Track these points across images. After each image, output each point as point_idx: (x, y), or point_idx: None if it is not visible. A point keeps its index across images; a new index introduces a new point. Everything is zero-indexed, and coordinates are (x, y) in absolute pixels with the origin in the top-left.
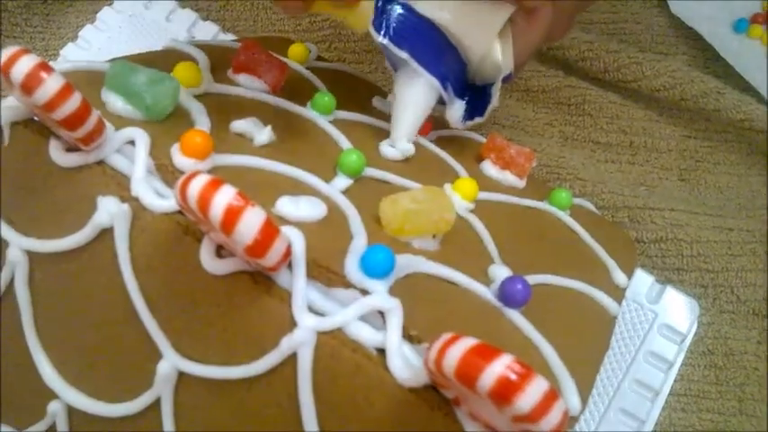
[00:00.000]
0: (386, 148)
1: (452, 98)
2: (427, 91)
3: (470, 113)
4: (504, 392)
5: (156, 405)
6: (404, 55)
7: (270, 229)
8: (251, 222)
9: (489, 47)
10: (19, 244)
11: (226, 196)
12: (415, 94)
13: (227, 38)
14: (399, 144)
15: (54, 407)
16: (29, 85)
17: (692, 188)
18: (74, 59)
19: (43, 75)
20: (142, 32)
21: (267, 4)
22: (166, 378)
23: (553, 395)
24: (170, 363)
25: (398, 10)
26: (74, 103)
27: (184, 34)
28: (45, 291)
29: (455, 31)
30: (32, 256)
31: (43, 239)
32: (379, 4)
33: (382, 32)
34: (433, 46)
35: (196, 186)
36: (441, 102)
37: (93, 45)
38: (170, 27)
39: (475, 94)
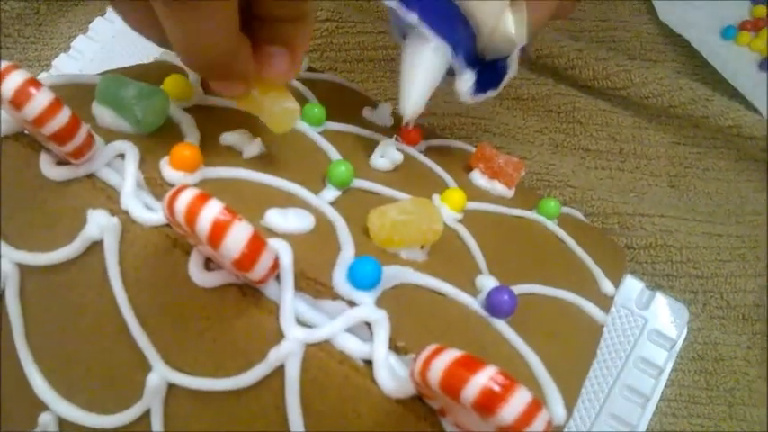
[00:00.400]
0: (377, 159)
1: (463, 67)
2: (437, 57)
3: (482, 87)
4: (487, 403)
5: (145, 417)
6: (413, 17)
7: (257, 243)
8: (238, 236)
9: (500, 17)
10: (10, 257)
11: (213, 210)
12: (424, 61)
13: None
14: (408, 114)
15: (45, 418)
16: (18, 101)
17: (681, 194)
18: (66, 70)
19: (32, 90)
20: (135, 43)
21: None
22: (156, 390)
23: (537, 406)
24: (159, 375)
25: None
26: (63, 118)
27: None
28: (36, 303)
29: (466, 3)
30: (23, 269)
31: (34, 252)
32: None
33: None
34: (442, 11)
35: (183, 201)
36: (449, 74)
37: (86, 55)
38: None
39: (485, 69)
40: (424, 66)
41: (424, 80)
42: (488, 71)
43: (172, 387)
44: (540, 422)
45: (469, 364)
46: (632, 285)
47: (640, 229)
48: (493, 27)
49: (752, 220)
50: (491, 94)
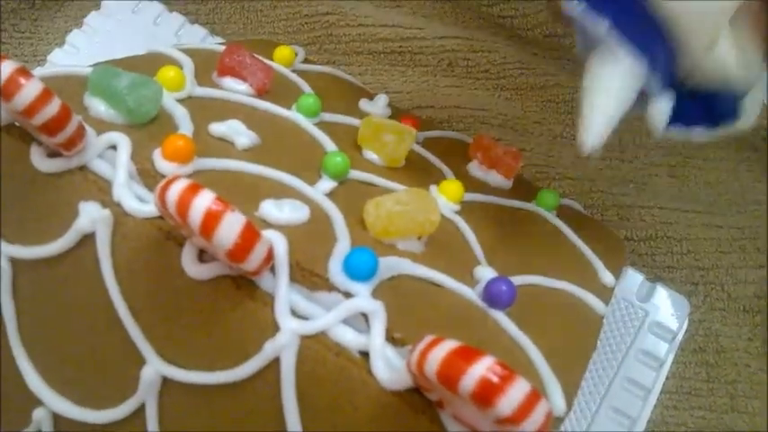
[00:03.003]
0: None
1: (658, 90)
2: (628, 77)
3: (686, 119)
4: (485, 395)
5: (140, 411)
6: (603, 25)
7: (250, 233)
8: (230, 227)
9: (715, 39)
10: (2, 251)
11: (205, 201)
12: (613, 81)
13: (215, 41)
14: (588, 146)
15: (39, 414)
16: (7, 91)
17: (681, 184)
18: (61, 65)
19: (22, 80)
20: (130, 37)
21: (257, 7)
22: (150, 384)
23: (536, 396)
24: (154, 368)
25: None
26: (53, 108)
27: (172, 38)
28: (29, 298)
29: (672, 11)
30: (16, 263)
31: (26, 246)
32: None
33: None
34: (639, 20)
35: (175, 191)
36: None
37: (81, 50)
38: (158, 31)
39: (694, 99)
40: (614, 87)
41: (612, 105)
42: (700, 103)
43: (166, 381)
44: (539, 413)
45: (467, 355)
46: (632, 277)
47: (640, 221)
48: (703, 46)
49: (753, 210)
50: (700, 133)
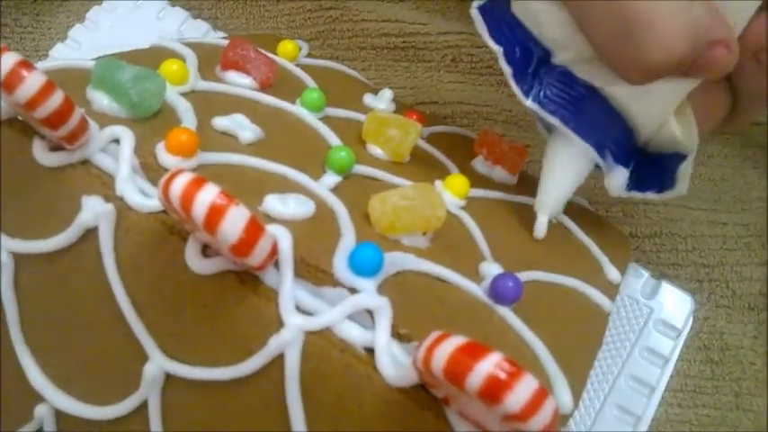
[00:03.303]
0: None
1: (612, 165)
2: (581, 158)
3: (641, 183)
4: (492, 391)
5: (143, 407)
6: (554, 121)
7: (254, 228)
8: (235, 221)
9: (665, 121)
10: (4, 245)
11: (209, 195)
12: (566, 162)
13: (218, 36)
14: (541, 215)
15: (41, 410)
16: (9, 84)
17: None
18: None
19: (24, 72)
20: (132, 31)
21: (260, 2)
22: (153, 380)
23: (543, 393)
24: (157, 364)
25: (554, 73)
26: (55, 101)
27: (175, 33)
28: (31, 293)
29: (623, 102)
30: (18, 258)
31: (28, 240)
32: (530, 69)
33: (531, 96)
34: (591, 111)
35: (178, 185)
36: (598, 167)
37: (83, 45)
38: (160, 25)
39: (648, 162)
40: (567, 167)
41: (567, 180)
42: (654, 166)
43: (169, 377)
44: (547, 410)
45: (474, 351)
46: (637, 275)
47: (645, 218)
48: (654, 130)
49: (758, 207)
50: (651, 196)
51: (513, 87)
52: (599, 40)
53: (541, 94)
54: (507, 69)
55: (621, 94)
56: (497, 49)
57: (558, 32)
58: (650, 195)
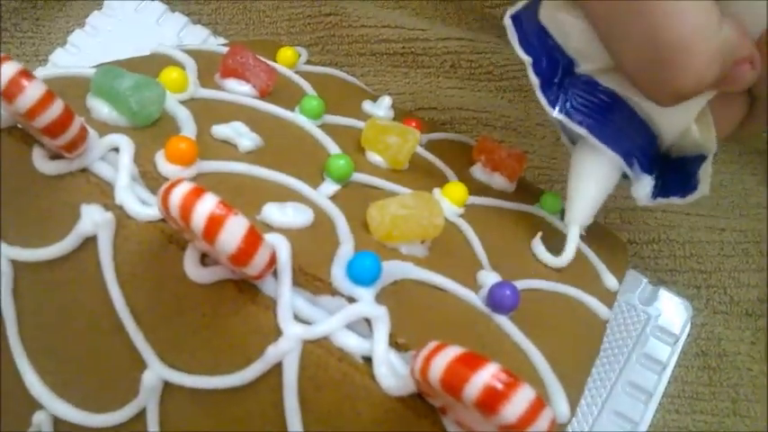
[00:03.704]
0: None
1: (639, 174)
2: (609, 168)
3: (664, 189)
4: (489, 402)
5: (141, 415)
6: (581, 131)
7: (253, 238)
8: (234, 231)
9: (687, 128)
10: (4, 253)
11: (208, 205)
12: (594, 172)
13: (218, 42)
14: (573, 228)
15: (39, 417)
16: (9, 93)
17: None
18: (63, 65)
19: (24, 82)
20: (132, 37)
21: (259, 7)
22: (151, 388)
23: (540, 404)
24: (155, 373)
25: (578, 83)
26: (55, 110)
27: (174, 38)
28: (30, 300)
29: (648, 111)
30: (17, 266)
31: (28, 248)
32: (557, 78)
33: (558, 107)
34: (617, 120)
35: (178, 195)
36: (625, 176)
37: (83, 50)
38: (160, 31)
39: (670, 168)
40: (595, 177)
41: (595, 191)
42: (675, 170)
43: (168, 385)
44: (543, 421)
45: (471, 362)
46: (635, 281)
47: (643, 224)
48: (676, 137)
49: (756, 213)
50: (676, 201)
51: (539, 98)
52: (628, 62)
53: (567, 104)
54: (535, 80)
55: (646, 104)
56: (527, 59)
57: (583, 43)
58: (674, 200)
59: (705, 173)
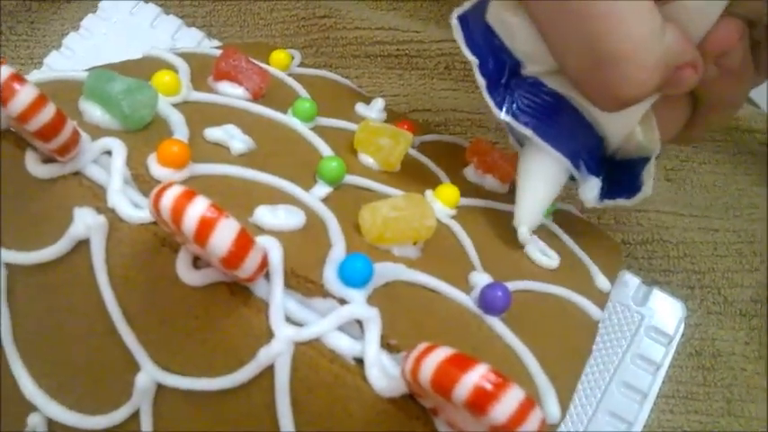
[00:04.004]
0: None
1: (586, 176)
2: (556, 169)
3: (611, 191)
4: (479, 402)
5: (135, 417)
6: (527, 132)
7: (244, 240)
8: (225, 234)
9: (632, 130)
10: None
11: (199, 208)
12: (542, 173)
13: (212, 44)
14: (522, 229)
15: (34, 419)
16: (2, 97)
17: (678, 188)
18: (57, 68)
19: (16, 86)
20: (127, 39)
21: (254, 10)
22: (145, 390)
23: (530, 404)
24: (148, 375)
25: (524, 84)
26: (47, 114)
27: (169, 41)
28: (24, 303)
29: (593, 112)
30: (11, 269)
31: (21, 252)
32: (503, 79)
33: (504, 108)
34: (562, 121)
35: (169, 198)
36: (572, 178)
37: (77, 53)
38: (154, 34)
39: (615, 170)
40: (542, 178)
41: (542, 192)
42: (621, 172)
43: (161, 387)
44: (533, 421)
45: (461, 363)
46: (629, 281)
47: (636, 225)
48: (622, 140)
49: (749, 213)
50: (622, 202)
51: (486, 99)
52: (570, 68)
53: (514, 105)
54: (482, 81)
55: (591, 107)
56: (473, 59)
57: (529, 45)
58: (621, 202)
59: (648, 174)
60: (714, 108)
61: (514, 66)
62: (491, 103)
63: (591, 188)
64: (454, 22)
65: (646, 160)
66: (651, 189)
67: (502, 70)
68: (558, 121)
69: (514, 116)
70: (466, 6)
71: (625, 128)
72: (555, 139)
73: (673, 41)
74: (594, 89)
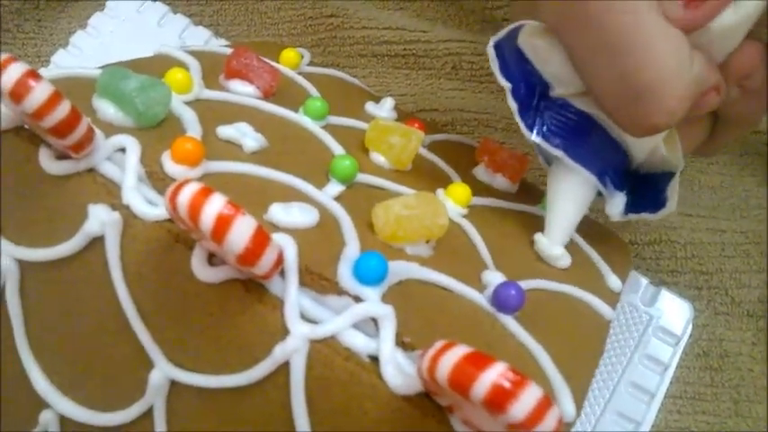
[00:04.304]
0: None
1: (612, 192)
2: (585, 187)
3: (635, 205)
4: (497, 401)
5: (148, 414)
6: (558, 153)
7: (261, 238)
8: (242, 231)
9: (656, 147)
10: (10, 252)
11: (216, 205)
12: (571, 191)
13: (219, 43)
14: (554, 248)
15: (46, 416)
16: (17, 93)
17: (685, 189)
18: (64, 66)
19: (32, 83)
20: (134, 38)
21: (261, 9)
22: (158, 387)
23: (547, 402)
24: (162, 372)
25: (553, 106)
26: (63, 110)
27: (176, 39)
28: (36, 300)
29: (619, 131)
30: (23, 265)
31: (34, 248)
32: (534, 102)
33: (535, 130)
34: (590, 141)
35: (186, 195)
36: (599, 193)
37: (85, 51)
38: (162, 32)
39: (639, 184)
40: (572, 197)
41: (572, 211)
42: (646, 186)
43: (175, 384)
44: (551, 419)
45: (479, 361)
46: (637, 282)
47: (644, 225)
48: (646, 156)
49: (756, 214)
50: (646, 216)
51: (519, 123)
52: (602, 97)
53: (544, 127)
54: (514, 106)
55: (617, 127)
56: (506, 85)
57: (558, 69)
58: (645, 216)
59: (673, 189)
60: (734, 124)
61: (544, 88)
62: (522, 126)
63: (617, 204)
64: (490, 50)
65: (669, 175)
66: (675, 205)
67: (532, 93)
68: (587, 140)
69: (545, 138)
70: (501, 34)
71: (649, 146)
72: (584, 158)
73: (700, 69)
74: (627, 118)
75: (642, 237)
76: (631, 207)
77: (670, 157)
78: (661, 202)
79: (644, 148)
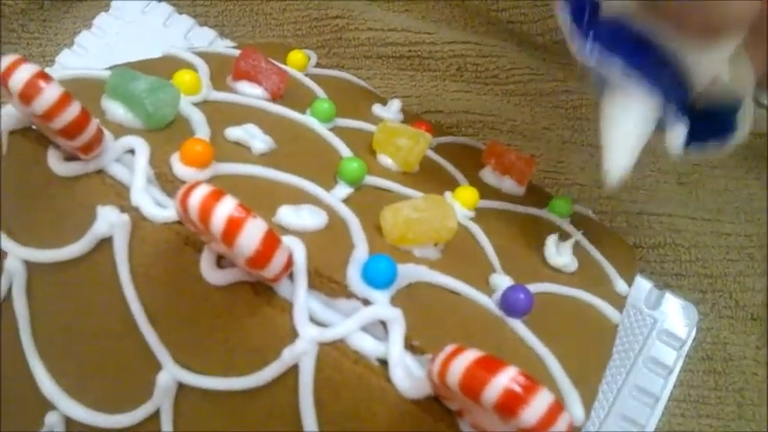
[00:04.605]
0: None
1: (673, 120)
2: (645, 109)
3: (697, 138)
4: (509, 405)
5: (155, 416)
6: (616, 64)
7: (271, 241)
8: (252, 234)
9: (719, 73)
10: (17, 253)
11: (227, 207)
12: (631, 114)
13: (225, 44)
14: (613, 176)
15: (52, 418)
16: (27, 95)
17: (689, 192)
18: (70, 66)
19: (42, 84)
20: (139, 38)
21: (266, 10)
22: (166, 389)
23: (558, 407)
24: (170, 374)
25: (608, 23)
26: (72, 112)
27: (181, 40)
28: (43, 301)
29: (679, 49)
30: (31, 266)
31: (42, 249)
32: (586, 18)
33: (588, 42)
34: (651, 57)
35: (197, 197)
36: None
37: (90, 51)
38: (167, 33)
39: (700, 118)
40: (632, 119)
41: (633, 134)
42: (705, 121)
43: (182, 386)
44: (561, 424)
45: (490, 365)
46: (641, 285)
47: (648, 228)
48: (707, 82)
49: (760, 218)
50: (713, 148)
51: (570, 41)
52: None
53: (598, 44)
54: (567, 19)
55: (677, 46)
56: (559, 2)
57: None
58: (711, 147)
59: (746, 115)
60: None
61: (593, 6)
62: (577, 42)
63: (678, 134)
64: None
65: (731, 109)
66: (745, 135)
67: (583, 11)
68: (646, 57)
69: (601, 54)
70: None
71: (712, 68)
72: (645, 74)
73: None
74: (693, 16)
75: (646, 240)
76: (692, 139)
77: (734, 83)
78: (728, 129)
79: (706, 73)
